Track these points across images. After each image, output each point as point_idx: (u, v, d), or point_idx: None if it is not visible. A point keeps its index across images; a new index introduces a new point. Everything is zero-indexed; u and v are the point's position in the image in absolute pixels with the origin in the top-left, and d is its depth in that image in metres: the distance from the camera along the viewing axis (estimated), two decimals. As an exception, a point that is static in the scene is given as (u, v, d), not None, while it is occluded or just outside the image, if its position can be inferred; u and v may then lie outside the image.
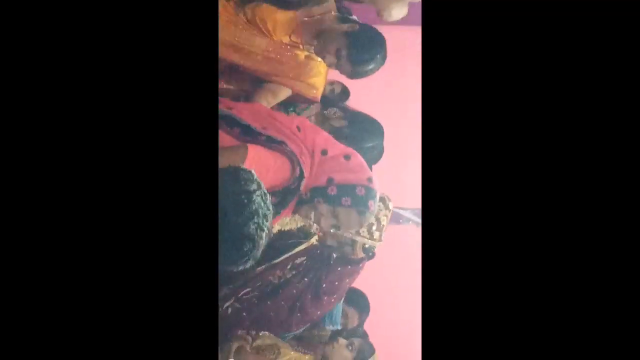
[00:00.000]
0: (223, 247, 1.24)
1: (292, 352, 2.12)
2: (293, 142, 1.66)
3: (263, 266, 2.12)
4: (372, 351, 2.19)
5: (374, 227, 2.10)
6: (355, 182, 1.69)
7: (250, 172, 1.35)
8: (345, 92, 2.78)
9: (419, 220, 3.19)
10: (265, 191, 1.34)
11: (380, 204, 2.02)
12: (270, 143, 1.65)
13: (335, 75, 2.25)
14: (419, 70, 1.24)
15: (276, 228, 1.94)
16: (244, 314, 2.08)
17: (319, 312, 2.20)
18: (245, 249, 1.28)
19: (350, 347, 2.15)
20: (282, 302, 2.11)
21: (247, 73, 2.13)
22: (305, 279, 2.15)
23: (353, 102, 2.61)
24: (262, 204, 1.30)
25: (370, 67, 2.07)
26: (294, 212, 1.80)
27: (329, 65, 2.08)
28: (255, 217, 1.28)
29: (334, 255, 2.14)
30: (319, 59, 2.11)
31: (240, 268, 1.34)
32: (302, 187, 1.66)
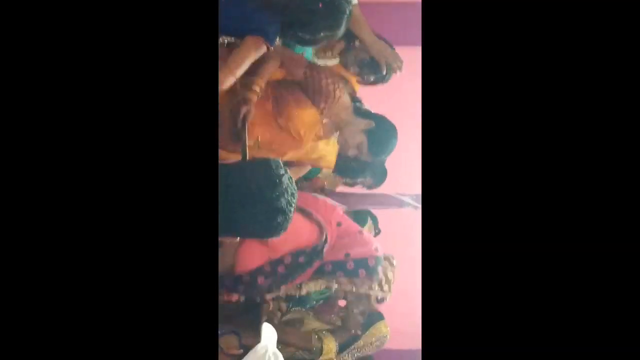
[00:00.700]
0: (259, 219, 1.48)
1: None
2: (318, 213, 2.05)
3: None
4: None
5: (384, 282, 2.41)
6: (367, 255, 2.09)
7: (278, 160, 1.60)
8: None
9: (417, 205, 3.49)
10: (290, 176, 1.57)
11: (386, 262, 2.39)
12: (302, 212, 2.01)
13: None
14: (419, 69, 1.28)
15: (304, 289, 2.27)
16: None
17: None
18: (279, 220, 1.50)
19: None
20: None
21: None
22: None
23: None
24: (290, 185, 1.52)
25: (387, 154, 2.42)
26: (319, 277, 2.21)
27: (351, 155, 2.40)
28: (285, 194, 1.49)
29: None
30: (335, 141, 2.40)
31: (274, 237, 1.56)
32: (325, 250, 2.01)
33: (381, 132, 2.34)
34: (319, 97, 2.24)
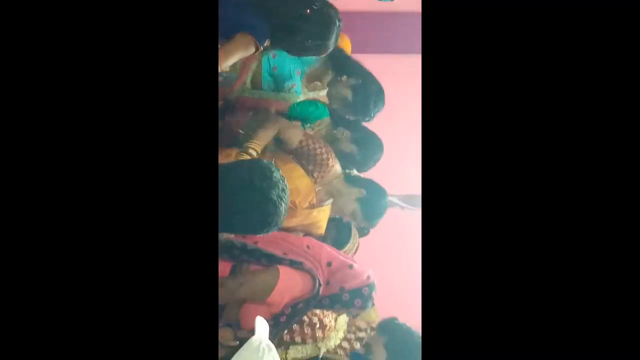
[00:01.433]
0: (252, 208, 1.59)
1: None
2: (307, 260, 2.11)
3: None
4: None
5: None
6: (360, 286, 2.16)
7: (271, 162, 1.70)
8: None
9: (404, 205, 3.55)
10: (281, 175, 1.67)
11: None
12: (293, 265, 2.07)
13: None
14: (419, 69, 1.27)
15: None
16: None
17: None
18: (269, 211, 1.60)
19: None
20: None
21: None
22: None
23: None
24: (281, 181, 1.63)
25: (380, 217, 2.55)
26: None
27: (345, 222, 2.59)
28: (276, 188, 1.60)
29: None
30: (327, 207, 2.50)
31: (266, 233, 1.66)
32: (320, 293, 2.10)
33: (372, 198, 2.49)
34: (313, 166, 2.37)
